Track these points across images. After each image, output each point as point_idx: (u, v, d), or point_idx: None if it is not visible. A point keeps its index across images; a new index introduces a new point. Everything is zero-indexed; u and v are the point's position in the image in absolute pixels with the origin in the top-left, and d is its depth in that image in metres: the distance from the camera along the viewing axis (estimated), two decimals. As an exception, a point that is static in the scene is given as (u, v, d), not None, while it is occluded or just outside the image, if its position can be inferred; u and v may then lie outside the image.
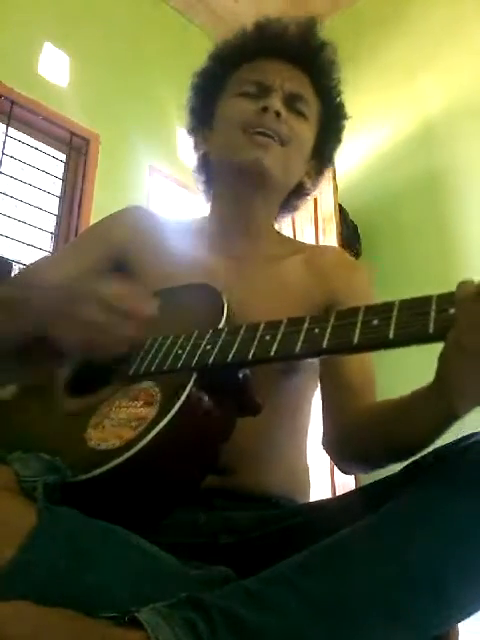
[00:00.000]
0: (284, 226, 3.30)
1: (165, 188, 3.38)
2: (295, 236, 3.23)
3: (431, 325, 0.51)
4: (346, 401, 0.82)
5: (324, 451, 0.84)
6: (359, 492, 0.71)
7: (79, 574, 0.50)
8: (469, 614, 0.55)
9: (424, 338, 0.52)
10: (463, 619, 0.55)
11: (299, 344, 0.57)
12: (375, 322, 0.54)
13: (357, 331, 0.54)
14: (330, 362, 0.85)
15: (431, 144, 3.06)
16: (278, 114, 0.89)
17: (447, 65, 3.08)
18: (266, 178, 0.89)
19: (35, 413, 0.72)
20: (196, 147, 1.01)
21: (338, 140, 1.04)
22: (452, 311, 0.51)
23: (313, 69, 0.96)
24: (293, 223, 3.28)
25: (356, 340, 0.54)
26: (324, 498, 0.80)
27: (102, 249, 0.93)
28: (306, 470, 0.93)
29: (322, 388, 0.87)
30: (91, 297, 0.67)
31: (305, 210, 3.21)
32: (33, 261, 1.03)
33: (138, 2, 3.59)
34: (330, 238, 2.99)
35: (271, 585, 0.51)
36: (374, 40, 3.49)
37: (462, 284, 0.52)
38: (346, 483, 2.55)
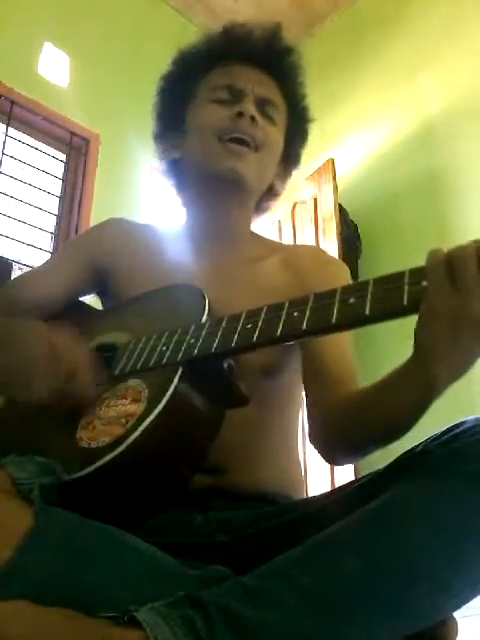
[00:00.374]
0: (284, 225, 3.31)
1: (165, 188, 3.38)
2: (295, 236, 3.23)
3: (405, 297, 0.53)
4: (327, 391, 0.82)
5: (311, 445, 0.83)
6: (353, 486, 0.71)
7: (77, 574, 0.50)
8: (464, 602, 0.55)
9: (399, 311, 0.53)
10: (459, 607, 0.56)
11: (280, 328, 0.58)
12: (352, 300, 0.55)
13: (335, 310, 0.56)
14: (310, 355, 0.86)
15: (431, 144, 3.06)
16: (253, 119, 0.90)
17: (447, 65, 3.07)
18: (241, 185, 0.91)
19: (27, 415, 0.73)
20: (164, 153, 1.01)
21: (304, 141, 1.05)
22: (424, 283, 0.53)
23: (280, 73, 0.98)
24: (293, 223, 3.28)
25: (334, 319, 0.55)
26: (318, 493, 0.80)
27: (86, 260, 0.96)
28: (299, 466, 0.94)
29: (304, 382, 0.88)
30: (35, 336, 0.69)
31: (305, 210, 3.21)
32: (22, 274, 1.06)
33: (138, 2, 3.60)
34: (330, 238, 2.99)
35: (268, 581, 0.51)
36: (374, 40, 3.49)
37: (432, 252, 0.54)
38: (345, 479, 2.54)
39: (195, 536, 0.76)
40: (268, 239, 1.10)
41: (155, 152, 1.03)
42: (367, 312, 0.53)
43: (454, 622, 0.64)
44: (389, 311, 0.53)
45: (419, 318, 0.55)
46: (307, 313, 0.57)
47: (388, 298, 0.53)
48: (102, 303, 1.00)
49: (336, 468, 2.66)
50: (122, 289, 0.92)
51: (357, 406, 0.75)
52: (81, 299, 0.99)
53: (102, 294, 0.99)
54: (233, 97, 0.93)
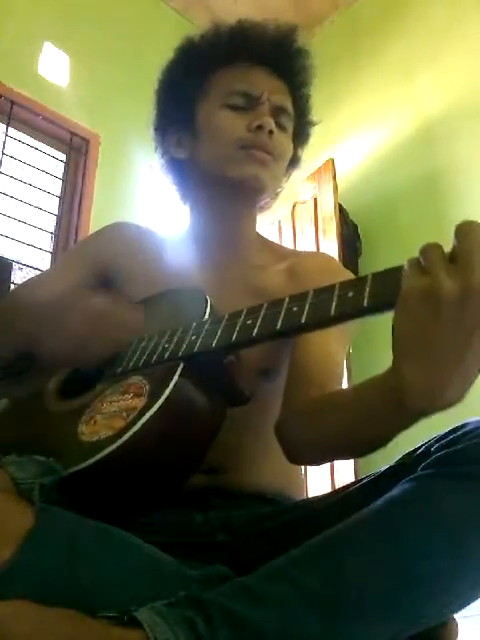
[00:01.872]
0: (284, 225, 3.31)
1: (165, 188, 3.38)
2: (295, 236, 3.23)
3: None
4: (304, 388, 0.79)
5: (275, 435, 0.78)
6: (354, 486, 0.71)
7: (78, 574, 0.50)
8: (466, 604, 0.55)
9: (396, 302, 0.53)
10: (461, 609, 0.56)
11: (279, 322, 0.59)
12: (350, 294, 0.55)
13: (334, 304, 0.56)
14: (297, 352, 0.84)
15: (431, 144, 3.06)
16: (271, 132, 0.89)
17: (446, 65, 3.07)
18: (261, 192, 0.91)
19: (28, 417, 0.73)
20: (167, 149, 0.99)
21: (306, 143, 1.05)
22: None
23: (292, 78, 0.97)
24: (293, 223, 3.28)
25: (333, 312, 0.56)
26: (319, 494, 0.80)
27: (90, 266, 0.96)
28: (300, 467, 0.93)
29: (287, 376, 0.84)
30: (76, 310, 0.72)
31: (305, 210, 3.21)
32: (25, 280, 1.06)
33: (138, 2, 3.60)
34: (330, 238, 2.99)
35: (269, 581, 0.51)
36: (373, 40, 3.49)
37: (427, 247, 0.50)
38: (346, 481, 2.55)
39: (195, 536, 0.77)
40: (277, 245, 1.09)
41: (155, 145, 1.01)
42: (365, 304, 0.54)
43: (455, 623, 0.64)
44: (386, 303, 0.53)
45: (395, 308, 0.51)
46: (306, 307, 0.58)
47: (386, 291, 0.54)
48: None
49: (336, 468, 2.67)
50: (126, 294, 0.92)
51: (327, 404, 0.73)
52: None
53: None
54: (248, 104, 0.91)
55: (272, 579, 0.52)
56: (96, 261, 0.96)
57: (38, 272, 2.88)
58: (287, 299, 0.61)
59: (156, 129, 1.01)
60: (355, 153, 3.39)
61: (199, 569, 0.59)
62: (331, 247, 2.94)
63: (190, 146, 0.96)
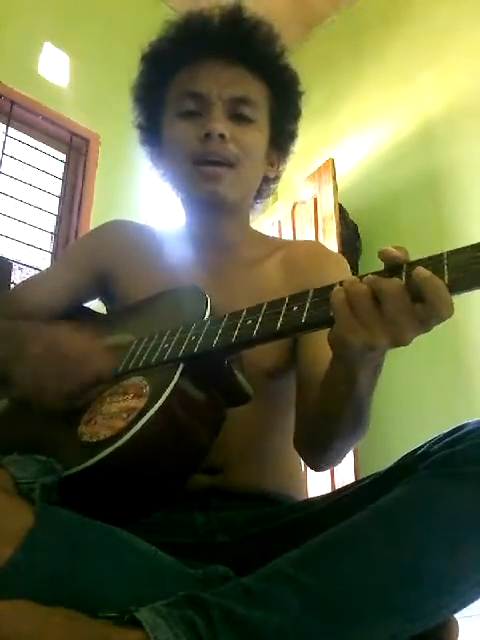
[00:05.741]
0: (284, 225, 3.31)
1: (165, 188, 3.38)
2: (295, 236, 3.22)
3: None
4: (309, 393, 0.80)
5: (296, 450, 0.83)
6: (355, 487, 0.71)
7: (78, 574, 0.50)
8: (467, 603, 0.55)
9: None
10: (461, 608, 0.56)
11: (279, 322, 0.59)
12: None
13: None
14: (302, 359, 0.84)
15: (431, 144, 3.06)
16: (222, 136, 0.84)
17: (447, 65, 3.07)
18: (223, 205, 0.88)
19: (29, 417, 0.73)
20: (152, 161, 1.00)
21: (295, 116, 0.97)
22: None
23: (250, 58, 0.89)
24: (293, 223, 3.28)
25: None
26: (319, 494, 0.80)
27: (87, 265, 0.95)
28: (301, 467, 0.93)
29: (296, 386, 0.85)
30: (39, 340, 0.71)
31: (305, 210, 3.21)
32: (24, 280, 1.05)
33: (138, 2, 3.59)
34: (330, 238, 2.99)
35: (269, 582, 0.51)
36: (374, 40, 3.49)
37: (334, 292, 0.57)
38: (346, 481, 2.55)
39: (196, 536, 0.77)
40: (269, 237, 1.07)
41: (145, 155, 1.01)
42: None
43: (455, 623, 0.64)
44: None
45: (330, 338, 0.58)
46: (306, 307, 0.58)
47: None
48: (106, 309, 1.00)
49: (336, 469, 2.66)
50: (124, 293, 0.92)
51: (317, 401, 0.75)
52: (85, 305, 0.98)
53: (105, 299, 0.99)
54: (200, 107, 0.87)
55: (272, 580, 0.52)
56: (93, 260, 0.96)
57: (38, 272, 2.88)
58: (287, 299, 0.61)
59: (140, 142, 1.02)
60: (355, 153, 3.39)
61: (200, 569, 0.59)
62: (331, 247, 2.94)
63: (162, 161, 0.97)
